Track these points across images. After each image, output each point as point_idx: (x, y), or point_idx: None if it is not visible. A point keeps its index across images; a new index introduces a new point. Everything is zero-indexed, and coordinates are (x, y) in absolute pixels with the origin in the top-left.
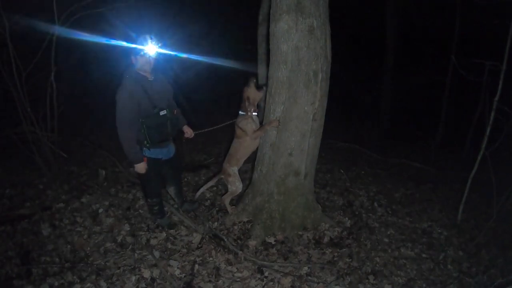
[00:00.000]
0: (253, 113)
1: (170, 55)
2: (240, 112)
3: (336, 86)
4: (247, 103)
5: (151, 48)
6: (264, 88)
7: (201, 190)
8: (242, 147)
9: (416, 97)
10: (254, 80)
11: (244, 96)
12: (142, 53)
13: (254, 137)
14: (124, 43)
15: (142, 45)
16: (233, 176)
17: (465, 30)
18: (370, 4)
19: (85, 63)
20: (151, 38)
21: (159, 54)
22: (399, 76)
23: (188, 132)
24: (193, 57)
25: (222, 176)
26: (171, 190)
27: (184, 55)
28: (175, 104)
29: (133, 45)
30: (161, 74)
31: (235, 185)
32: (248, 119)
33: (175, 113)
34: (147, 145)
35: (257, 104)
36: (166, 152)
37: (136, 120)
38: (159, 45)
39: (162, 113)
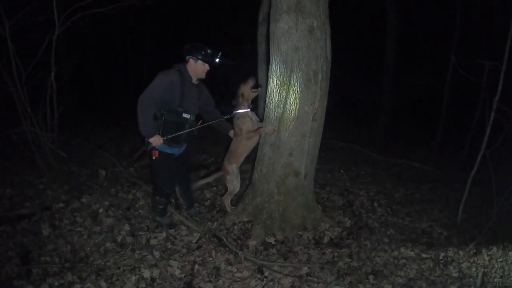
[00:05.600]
0: (248, 109)
1: None
2: (234, 111)
3: (336, 86)
4: (240, 99)
5: (216, 62)
6: (260, 88)
7: (200, 182)
8: (241, 145)
9: (416, 97)
10: (254, 79)
11: (239, 92)
12: (207, 62)
13: (246, 137)
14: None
15: (212, 57)
16: (231, 174)
17: (465, 30)
18: (371, 4)
19: (85, 63)
20: (220, 55)
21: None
22: (399, 76)
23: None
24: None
25: (222, 173)
26: (177, 189)
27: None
28: (216, 114)
29: (202, 53)
30: (201, 83)
31: (233, 184)
32: (245, 117)
33: (199, 123)
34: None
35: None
36: (176, 150)
37: (158, 106)
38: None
39: (185, 115)
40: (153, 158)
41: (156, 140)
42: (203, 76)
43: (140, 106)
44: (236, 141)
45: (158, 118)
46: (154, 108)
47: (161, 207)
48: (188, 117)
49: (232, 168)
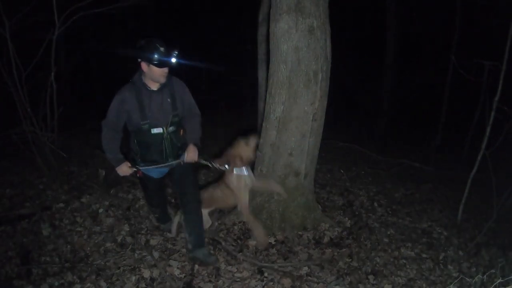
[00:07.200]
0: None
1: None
2: (226, 166)
3: (336, 86)
4: (237, 161)
5: (172, 62)
6: (258, 153)
7: (174, 226)
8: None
9: (416, 97)
10: (257, 137)
11: (236, 152)
12: (160, 65)
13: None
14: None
15: (166, 57)
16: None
17: (465, 30)
18: (371, 4)
19: (85, 63)
20: (175, 53)
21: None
22: (399, 76)
23: (190, 155)
24: (194, 63)
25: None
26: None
27: (191, 63)
28: (195, 115)
29: (152, 54)
30: (176, 83)
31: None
32: (241, 177)
33: (181, 133)
34: (138, 159)
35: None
36: (161, 172)
37: (121, 127)
38: (179, 58)
39: (155, 131)
40: (138, 176)
41: (123, 171)
42: (162, 80)
43: (102, 132)
44: (229, 197)
45: (131, 142)
46: (116, 134)
47: (156, 215)
48: (160, 131)
49: (205, 212)
